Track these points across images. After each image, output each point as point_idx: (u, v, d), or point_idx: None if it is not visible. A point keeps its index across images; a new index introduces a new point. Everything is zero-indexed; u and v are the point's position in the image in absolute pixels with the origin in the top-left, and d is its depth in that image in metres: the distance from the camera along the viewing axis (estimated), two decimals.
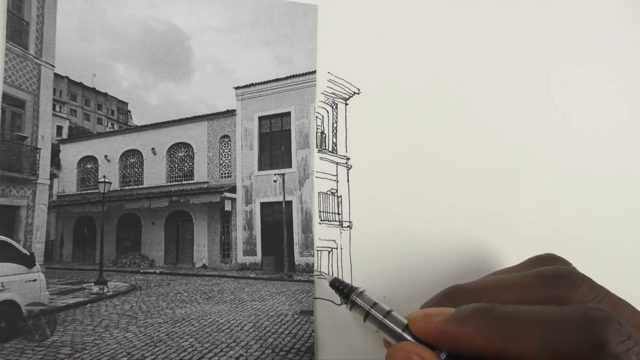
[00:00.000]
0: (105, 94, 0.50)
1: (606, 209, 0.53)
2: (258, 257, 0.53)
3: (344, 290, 0.40)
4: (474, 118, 0.52)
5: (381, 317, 0.37)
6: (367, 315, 0.38)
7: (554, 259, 0.37)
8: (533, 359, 0.28)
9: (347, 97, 0.50)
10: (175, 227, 0.58)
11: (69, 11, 0.46)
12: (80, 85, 0.49)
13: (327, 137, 0.49)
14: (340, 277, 0.47)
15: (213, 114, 0.52)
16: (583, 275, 0.33)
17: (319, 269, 0.47)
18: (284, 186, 0.53)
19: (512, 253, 0.51)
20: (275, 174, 0.53)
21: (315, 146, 0.49)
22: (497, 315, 0.30)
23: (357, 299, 0.39)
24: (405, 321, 0.36)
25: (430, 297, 0.38)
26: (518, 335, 0.29)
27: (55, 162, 0.49)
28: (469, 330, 0.30)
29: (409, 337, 0.34)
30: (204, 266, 0.54)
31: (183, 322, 0.47)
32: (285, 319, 0.47)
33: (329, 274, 0.46)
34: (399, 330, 0.35)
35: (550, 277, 0.33)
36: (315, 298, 0.47)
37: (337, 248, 0.48)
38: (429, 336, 0.33)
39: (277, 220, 0.52)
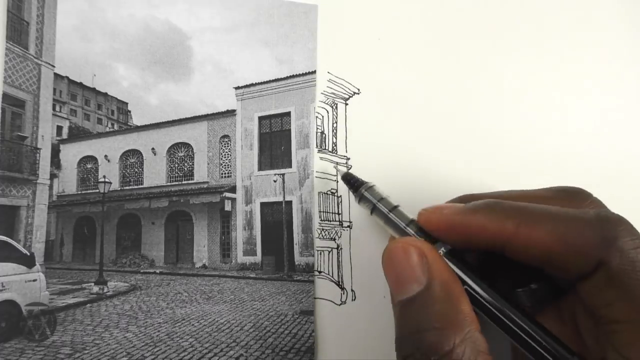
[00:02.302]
0: (105, 94, 0.50)
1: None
2: (258, 257, 0.53)
3: (354, 184, 0.41)
4: (473, 118, 0.52)
5: (387, 210, 0.37)
6: (373, 209, 0.38)
7: (583, 195, 0.37)
8: (542, 248, 0.28)
9: (347, 97, 0.50)
10: (175, 227, 0.58)
11: (69, 11, 0.46)
12: (80, 85, 0.49)
13: (327, 137, 0.49)
14: (340, 271, 0.47)
15: (213, 114, 0.52)
16: (596, 198, 0.33)
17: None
18: (284, 186, 0.53)
19: None
20: (275, 174, 0.53)
21: (315, 146, 0.49)
22: (509, 205, 0.30)
23: (366, 192, 0.39)
24: (411, 217, 0.36)
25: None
26: (530, 223, 0.29)
27: (55, 162, 0.49)
28: (480, 219, 0.30)
29: (411, 232, 0.34)
30: (204, 266, 0.54)
31: (183, 322, 0.47)
32: (285, 319, 0.47)
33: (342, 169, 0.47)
34: (403, 225, 0.35)
35: (568, 190, 0.34)
36: (315, 298, 0.47)
37: (337, 248, 0.48)
38: (438, 226, 0.33)
39: (277, 220, 0.52)
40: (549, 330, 0.29)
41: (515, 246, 0.29)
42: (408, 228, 0.35)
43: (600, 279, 0.27)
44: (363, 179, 0.41)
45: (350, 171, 0.43)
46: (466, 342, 0.27)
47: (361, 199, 0.40)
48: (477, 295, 0.30)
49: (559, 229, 0.28)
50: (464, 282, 0.31)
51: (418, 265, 0.30)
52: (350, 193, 0.43)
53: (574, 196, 0.34)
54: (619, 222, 0.28)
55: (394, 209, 0.37)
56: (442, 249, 0.32)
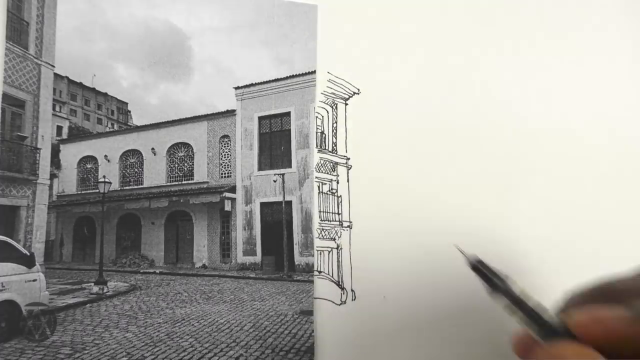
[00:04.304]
0: (105, 94, 0.50)
1: (607, 212, 0.53)
2: (258, 257, 0.53)
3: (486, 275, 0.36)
4: (473, 117, 0.52)
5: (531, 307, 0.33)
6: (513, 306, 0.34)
7: None
8: None
9: (347, 97, 0.50)
10: (175, 227, 0.58)
11: (69, 11, 0.46)
12: (80, 85, 0.49)
13: (327, 137, 0.49)
14: (340, 271, 0.47)
15: (213, 114, 0.52)
16: None
17: None
18: (283, 186, 0.53)
19: (512, 248, 0.51)
20: (275, 174, 0.53)
21: (315, 146, 0.49)
22: None
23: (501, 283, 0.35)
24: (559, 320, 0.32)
25: (572, 295, 0.33)
26: None
27: (55, 162, 0.49)
28: None
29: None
30: (204, 266, 0.54)
31: (183, 322, 0.47)
32: (285, 319, 0.47)
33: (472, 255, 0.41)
34: (558, 329, 0.30)
35: None
36: (315, 298, 0.47)
37: (337, 248, 0.48)
38: (605, 339, 0.29)
39: (277, 220, 0.52)
40: None
41: None
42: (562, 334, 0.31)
43: None
44: (497, 271, 0.36)
45: (481, 260, 0.37)
46: None
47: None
48: None
49: None
50: None
51: None
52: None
53: None
54: None
55: (537, 306, 0.33)
56: None
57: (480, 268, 0.37)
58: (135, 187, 0.55)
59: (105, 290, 0.48)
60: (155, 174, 0.56)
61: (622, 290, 0.31)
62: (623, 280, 0.33)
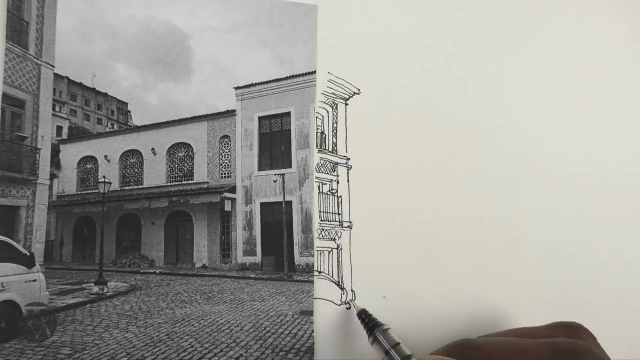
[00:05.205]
0: (105, 94, 0.50)
1: (607, 215, 0.53)
2: (258, 257, 0.53)
3: (369, 324, 0.41)
4: (473, 117, 0.52)
5: (399, 359, 0.38)
6: (386, 354, 0.39)
7: (578, 329, 0.37)
8: None
9: (347, 97, 0.50)
10: (175, 227, 0.58)
11: (69, 11, 0.46)
12: (80, 85, 0.49)
13: (327, 137, 0.49)
14: (340, 271, 0.47)
15: (213, 114, 0.52)
16: (598, 356, 0.32)
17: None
18: (283, 186, 0.53)
19: (512, 251, 0.51)
20: (275, 174, 0.53)
21: (315, 146, 0.49)
22: None
23: (380, 335, 0.40)
24: None
25: (441, 347, 0.38)
26: None
27: (55, 162, 0.49)
28: None
29: None
30: (204, 266, 0.54)
31: (183, 322, 0.47)
32: (285, 319, 0.47)
33: (357, 305, 0.46)
34: None
35: (564, 351, 0.33)
36: (315, 298, 0.47)
37: (337, 248, 0.48)
38: None
39: (277, 221, 0.52)
40: None
41: None
42: None
43: None
44: (379, 320, 0.41)
45: (365, 308, 0.43)
46: None
47: (374, 340, 0.40)
48: None
49: None
50: None
51: None
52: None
53: (570, 330, 0.35)
54: None
55: (407, 357, 0.38)
56: None
57: (363, 317, 0.42)
58: (135, 187, 0.55)
59: (105, 291, 0.48)
60: (155, 174, 0.56)
61: (481, 347, 0.35)
62: (487, 339, 0.36)
